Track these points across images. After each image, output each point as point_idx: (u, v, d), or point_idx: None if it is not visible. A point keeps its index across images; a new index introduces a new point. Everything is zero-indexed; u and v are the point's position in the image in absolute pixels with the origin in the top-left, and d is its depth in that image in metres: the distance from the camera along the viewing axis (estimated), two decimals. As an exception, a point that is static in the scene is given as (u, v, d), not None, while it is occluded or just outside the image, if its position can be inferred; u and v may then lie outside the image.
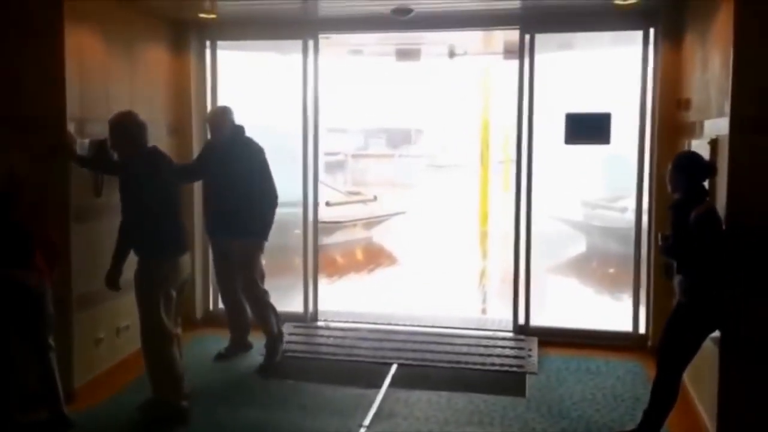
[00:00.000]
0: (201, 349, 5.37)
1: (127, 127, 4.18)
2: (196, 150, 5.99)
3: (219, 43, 6.19)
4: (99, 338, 4.78)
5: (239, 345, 5.34)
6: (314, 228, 6.16)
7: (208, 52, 6.14)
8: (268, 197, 5.07)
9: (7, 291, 3.85)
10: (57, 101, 4.34)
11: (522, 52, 5.64)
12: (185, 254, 4.31)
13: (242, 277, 5.15)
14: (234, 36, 6.17)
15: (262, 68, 6.52)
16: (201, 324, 6.01)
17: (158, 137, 5.34)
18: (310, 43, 5.97)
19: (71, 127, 4.42)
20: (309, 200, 6.13)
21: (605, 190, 8.86)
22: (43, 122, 4.33)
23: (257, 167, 5.05)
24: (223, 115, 5.12)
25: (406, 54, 6.93)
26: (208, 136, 5.45)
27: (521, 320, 5.80)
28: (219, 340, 5.46)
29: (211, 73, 6.18)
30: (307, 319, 6.09)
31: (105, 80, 4.89)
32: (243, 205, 4.97)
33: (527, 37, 5.63)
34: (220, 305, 5.93)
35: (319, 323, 6.04)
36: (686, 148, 4.67)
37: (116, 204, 4.26)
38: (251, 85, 6.35)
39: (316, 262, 6.20)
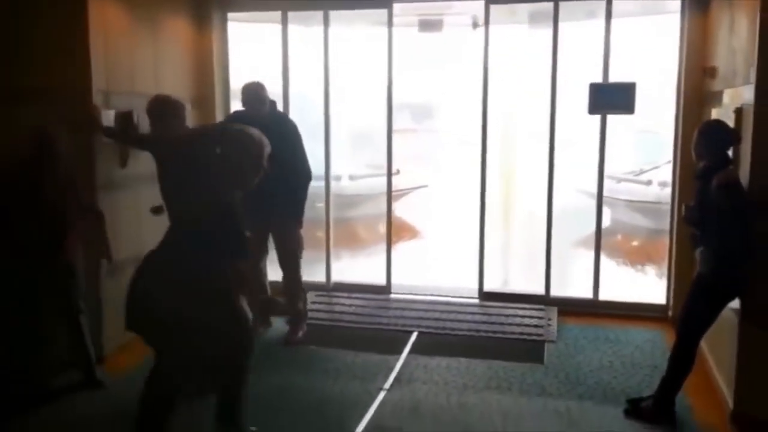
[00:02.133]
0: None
1: (164, 111, 4.11)
2: (220, 125, 6.07)
3: (239, 15, 6.21)
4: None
5: (264, 320, 5.31)
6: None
7: (229, 24, 6.18)
8: (303, 175, 5.00)
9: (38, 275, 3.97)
10: (82, 73, 4.42)
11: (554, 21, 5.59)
12: None
13: (284, 250, 5.09)
14: (258, 7, 6.20)
15: (286, 41, 6.54)
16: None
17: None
18: (330, 14, 5.99)
19: (97, 99, 4.50)
20: (330, 174, 6.22)
21: (630, 163, 8.80)
22: (68, 94, 4.39)
23: (293, 144, 4.94)
24: (259, 89, 4.88)
25: (428, 25, 6.88)
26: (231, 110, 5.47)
27: (542, 291, 5.83)
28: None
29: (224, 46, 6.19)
30: (329, 288, 6.18)
31: (129, 53, 4.95)
32: (281, 184, 4.70)
33: (552, 5, 5.57)
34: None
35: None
36: (711, 117, 4.63)
37: (141, 174, 4.34)
38: (274, 58, 6.39)
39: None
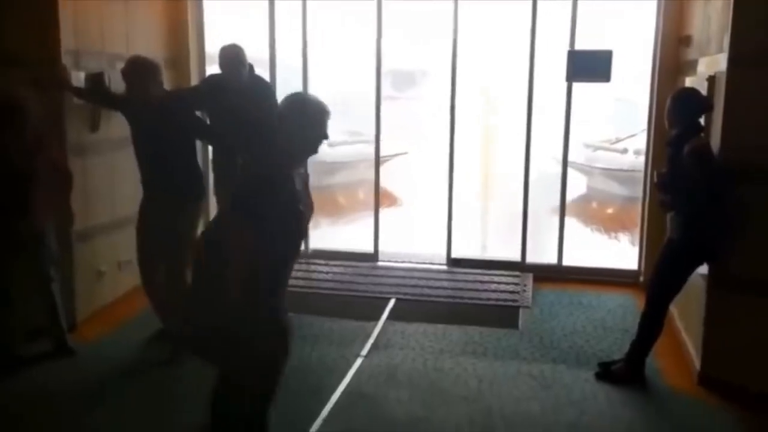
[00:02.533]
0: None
1: (141, 72, 4.05)
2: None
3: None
4: (101, 272, 4.87)
5: None
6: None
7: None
8: None
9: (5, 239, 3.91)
10: (50, 34, 4.32)
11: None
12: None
13: None
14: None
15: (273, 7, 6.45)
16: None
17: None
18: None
19: (66, 60, 4.40)
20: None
21: (608, 131, 8.87)
22: (36, 55, 4.30)
23: (268, 105, 4.70)
24: (237, 52, 4.64)
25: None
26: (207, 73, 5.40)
27: (518, 257, 5.90)
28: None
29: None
30: (308, 255, 6.20)
31: (99, 12, 4.83)
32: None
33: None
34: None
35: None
36: (685, 85, 4.66)
37: (113, 139, 4.28)
38: (252, 20, 6.29)
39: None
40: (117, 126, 4.59)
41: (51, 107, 4.31)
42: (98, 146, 4.76)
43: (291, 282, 5.38)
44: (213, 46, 6.16)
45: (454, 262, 5.99)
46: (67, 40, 4.41)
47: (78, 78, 4.50)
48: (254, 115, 4.62)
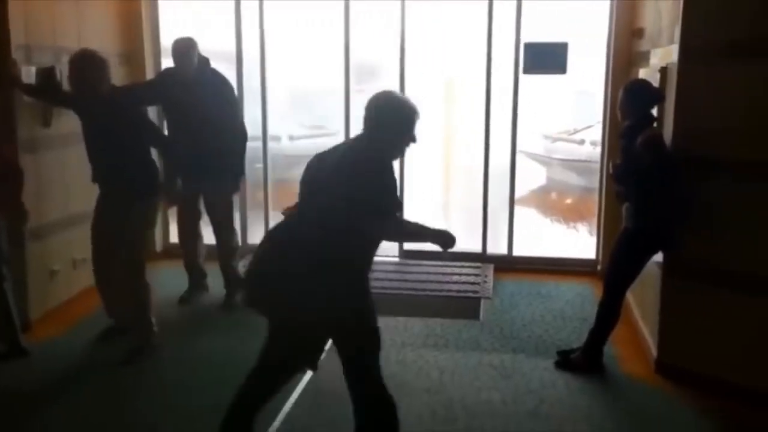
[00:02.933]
0: (162, 281, 5.39)
1: (86, 68, 3.92)
2: (151, 81, 5.89)
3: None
4: (54, 270, 4.76)
5: (200, 287, 5.21)
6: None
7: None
8: (239, 134, 4.82)
9: None
10: (0, 29, 4.19)
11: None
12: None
13: (218, 219, 4.95)
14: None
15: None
16: (161, 256, 6.04)
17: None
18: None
19: (17, 56, 4.29)
20: (268, 134, 6.15)
21: (566, 123, 8.97)
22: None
23: (225, 100, 4.75)
24: (189, 46, 4.62)
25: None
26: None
27: (479, 248, 5.94)
28: (178, 272, 5.48)
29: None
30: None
31: (50, 6, 4.72)
32: (213, 144, 4.64)
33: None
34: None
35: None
36: (638, 77, 4.73)
37: (66, 134, 4.18)
38: (208, 13, 6.21)
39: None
40: (69, 121, 4.48)
41: (1, 103, 4.21)
42: (50, 142, 4.65)
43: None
44: (169, 40, 6.07)
45: (405, 254, 6.01)
46: (17, 35, 4.30)
47: (29, 73, 4.39)
48: (207, 109, 4.59)
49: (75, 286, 4.97)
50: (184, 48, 4.61)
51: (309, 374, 3.88)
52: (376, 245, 2.88)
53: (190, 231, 5.06)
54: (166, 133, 4.88)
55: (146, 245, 4.33)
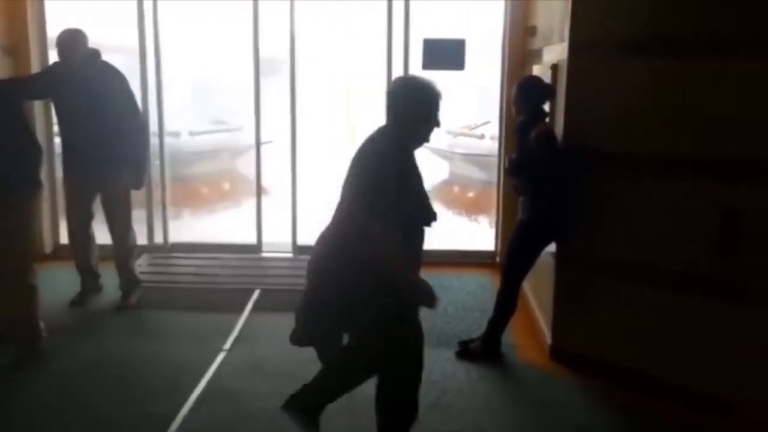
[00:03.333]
0: (52, 283, 5.14)
1: None
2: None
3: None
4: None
5: (93, 288, 5.01)
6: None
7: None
8: (138, 127, 4.68)
9: None
10: None
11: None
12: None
13: (114, 215, 4.74)
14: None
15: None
16: (50, 257, 5.76)
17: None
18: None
19: None
20: (165, 130, 5.97)
21: (466, 118, 9.15)
22: None
23: (119, 93, 4.55)
24: (75, 37, 4.43)
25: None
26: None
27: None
28: (69, 273, 5.23)
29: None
30: (166, 249, 5.97)
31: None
32: (108, 138, 4.47)
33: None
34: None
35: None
36: (532, 73, 4.88)
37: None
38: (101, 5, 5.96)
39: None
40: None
41: None
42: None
43: (149, 277, 5.17)
44: (55, 32, 5.78)
45: (300, 250, 5.99)
46: None
47: None
48: (98, 102, 4.40)
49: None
50: (69, 40, 4.41)
51: (210, 374, 3.82)
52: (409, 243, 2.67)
53: (81, 231, 4.83)
54: (57, 128, 4.68)
55: (31, 244, 4.07)
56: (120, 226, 4.78)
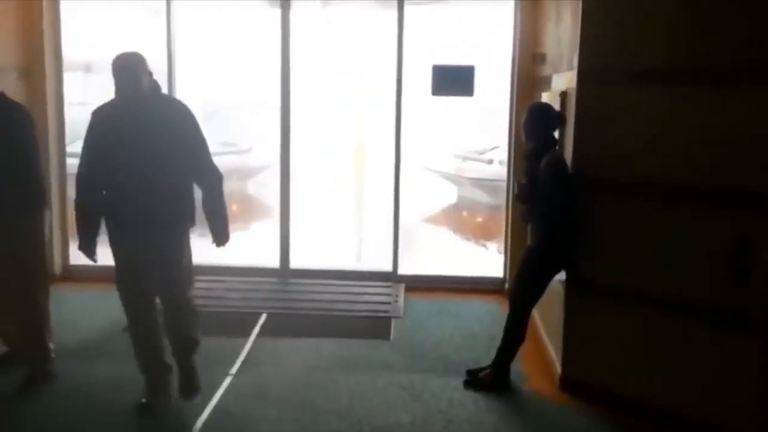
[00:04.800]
0: (60, 305, 5.14)
1: None
2: (50, 96, 5.66)
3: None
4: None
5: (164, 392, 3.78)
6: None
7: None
8: (207, 171, 3.59)
9: None
10: None
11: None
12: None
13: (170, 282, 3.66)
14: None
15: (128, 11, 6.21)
16: (60, 279, 5.77)
17: (6, 83, 4.99)
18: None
19: None
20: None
21: (474, 142, 9.18)
22: None
23: (186, 132, 3.52)
24: (139, 64, 3.47)
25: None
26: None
27: (390, 267, 5.96)
28: (78, 295, 5.26)
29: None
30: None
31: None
32: (165, 187, 3.50)
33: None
34: (80, 260, 5.71)
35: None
36: (541, 100, 4.89)
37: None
38: (118, 29, 6.06)
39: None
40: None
41: None
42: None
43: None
44: (71, 54, 5.87)
45: (291, 273, 6.01)
46: None
47: None
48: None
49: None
50: (128, 64, 3.48)
51: (216, 398, 3.79)
52: None
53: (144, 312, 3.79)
54: None
55: (42, 266, 4.06)
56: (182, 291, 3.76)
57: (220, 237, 3.70)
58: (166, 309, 3.71)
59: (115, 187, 3.52)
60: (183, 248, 3.69)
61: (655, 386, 3.65)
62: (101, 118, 3.53)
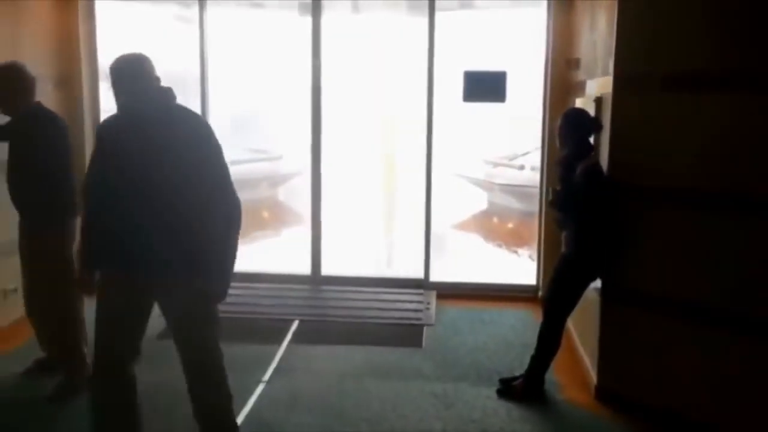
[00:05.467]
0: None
1: (11, 80, 3.78)
2: (86, 105, 5.75)
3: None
4: (-18, 302, 4.53)
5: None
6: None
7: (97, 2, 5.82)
8: (225, 206, 2.80)
9: None
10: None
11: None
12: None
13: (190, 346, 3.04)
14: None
15: (161, 21, 6.30)
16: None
17: (42, 91, 5.08)
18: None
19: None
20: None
21: (504, 148, 9.13)
22: None
23: (204, 156, 2.78)
24: (143, 67, 2.84)
25: (308, 8, 6.80)
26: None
27: (421, 275, 5.94)
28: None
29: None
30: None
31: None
32: (181, 222, 2.75)
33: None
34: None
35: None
36: (575, 105, 4.83)
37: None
38: (151, 39, 6.14)
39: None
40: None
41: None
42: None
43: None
44: (105, 61, 5.95)
45: (323, 280, 6.01)
46: None
47: None
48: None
49: (6, 317, 4.76)
50: (126, 67, 2.88)
51: (249, 405, 3.80)
52: None
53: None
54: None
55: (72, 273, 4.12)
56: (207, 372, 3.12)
57: (221, 285, 2.88)
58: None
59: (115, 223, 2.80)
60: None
61: (694, 398, 3.57)
62: (107, 134, 2.88)
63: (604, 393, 3.93)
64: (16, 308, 4.45)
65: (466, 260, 6.85)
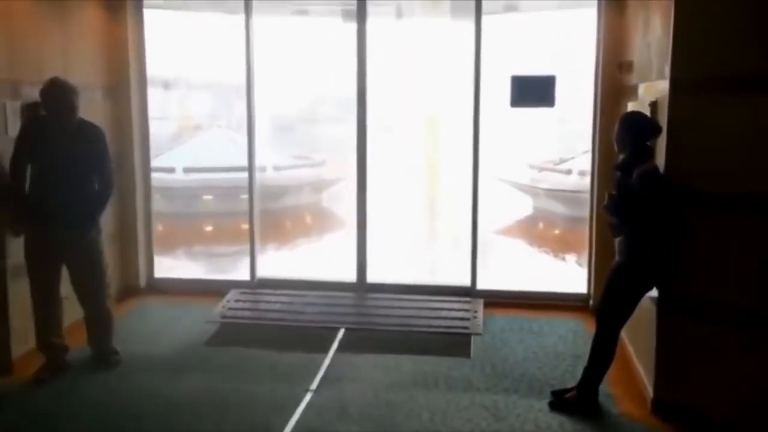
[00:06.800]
0: (144, 317, 5.28)
1: (66, 93, 4.12)
2: (135, 115, 5.85)
3: (156, 2, 5.96)
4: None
5: (59, 366, 4.37)
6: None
7: (145, 12, 5.91)
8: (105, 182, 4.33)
9: None
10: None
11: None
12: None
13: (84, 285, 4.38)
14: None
15: (206, 29, 6.37)
16: (145, 292, 5.94)
17: (93, 101, 5.19)
18: (252, 3, 5.84)
19: (2, 90, 4.29)
20: (254, 165, 6.09)
21: (550, 152, 8.99)
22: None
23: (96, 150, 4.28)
24: (64, 87, 4.13)
25: (352, 15, 6.80)
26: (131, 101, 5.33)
27: (468, 282, 5.86)
28: (162, 307, 5.39)
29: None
30: (253, 285, 6.03)
31: (36, 42, 4.70)
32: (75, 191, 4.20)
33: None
34: (164, 273, 5.90)
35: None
36: (628, 109, 4.71)
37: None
38: (196, 46, 6.22)
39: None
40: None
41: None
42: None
43: (236, 313, 5.26)
44: (155, 72, 6.05)
45: (368, 288, 5.97)
46: (1, 70, 4.32)
47: (14, 108, 4.40)
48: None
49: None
50: (54, 89, 4.14)
51: (297, 415, 3.78)
52: None
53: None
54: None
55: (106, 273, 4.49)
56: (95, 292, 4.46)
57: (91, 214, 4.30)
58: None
59: (37, 182, 4.17)
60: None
61: (754, 411, 3.43)
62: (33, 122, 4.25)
63: (660, 406, 3.81)
64: (72, 311, 4.56)
65: (512, 267, 6.73)
